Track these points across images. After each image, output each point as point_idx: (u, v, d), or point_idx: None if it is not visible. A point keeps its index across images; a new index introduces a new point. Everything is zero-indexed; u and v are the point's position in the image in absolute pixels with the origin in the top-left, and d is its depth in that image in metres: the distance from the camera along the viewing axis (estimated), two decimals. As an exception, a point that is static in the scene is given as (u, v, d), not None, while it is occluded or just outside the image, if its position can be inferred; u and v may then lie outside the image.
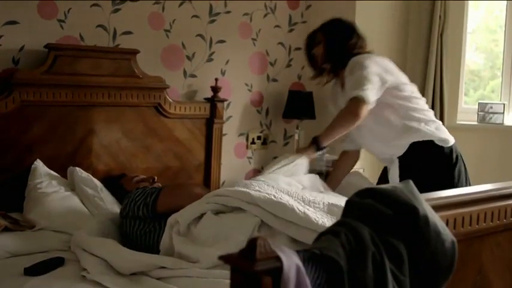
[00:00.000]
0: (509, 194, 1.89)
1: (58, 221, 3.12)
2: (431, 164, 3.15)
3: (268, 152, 4.70)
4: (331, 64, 3.36)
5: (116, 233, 2.96)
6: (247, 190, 2.56)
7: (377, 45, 4.69)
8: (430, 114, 3.29)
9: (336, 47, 3.33)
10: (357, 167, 3.92)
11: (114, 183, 3.53)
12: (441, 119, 4.60)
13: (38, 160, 3.44)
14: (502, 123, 4.50)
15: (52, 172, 3.43)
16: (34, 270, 2.59)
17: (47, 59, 3.50)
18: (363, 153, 3.79)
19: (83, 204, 3.32)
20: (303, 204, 2.48)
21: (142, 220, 2.86)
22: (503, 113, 4.50)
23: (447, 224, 1.59)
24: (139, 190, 3.02)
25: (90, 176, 3.46)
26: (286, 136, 4.79)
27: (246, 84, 4.54)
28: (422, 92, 4.65)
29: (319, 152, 3.24)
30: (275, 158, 4.67)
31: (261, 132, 4.65)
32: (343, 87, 3.30)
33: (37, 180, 3.33)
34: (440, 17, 4.57)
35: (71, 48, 3.62)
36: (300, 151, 3.32)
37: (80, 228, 3.13)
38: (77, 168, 3.47)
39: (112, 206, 3.35)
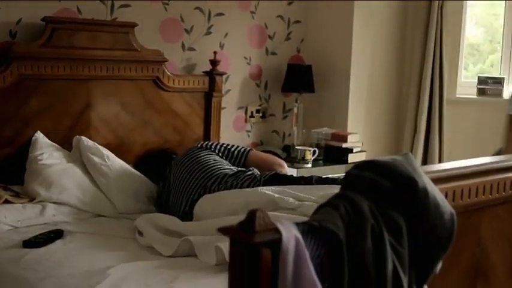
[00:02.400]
0: (507, 166, 1.89)
1: (58, 193, 3.12)
2: None
3: (267, 125, 4.69)
4: None
5: None
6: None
7: (377, 20, 4.68)
8: None
9: None
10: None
11: (162, 157, 3.53)
12: (440, 92, 4.60)
13: (39, 132, 3.43)
14: (501, 97, 4.49)
15: (53, 144, 3.42)
16: (33, 243, 2.60)
17: (44, 32, 3.47)
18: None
19: (86, 174, 3.31)
20: None
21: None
22: (503, 86, 4.49)
23: (446, 197, 1.59)
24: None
25: (97, 144, 3.44)
26: (285, 109, 4.78)
27: (245, 58, 4.52)
28: (422, 66, 4.64)
29: None
30: (274, 132, 4.69)
31: (260, 105, 4.64)
32: None
33: (38, 152, 3.31)
34: (440, -10, 4.55)
35: (69, 21, 3.59)
36: None
37: (81, 200, 3.15)
38: (83, 137, 3.45)
39: (119, 174, 3.33)
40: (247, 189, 2.87)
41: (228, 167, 3.18)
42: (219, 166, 3.14)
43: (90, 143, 3.43)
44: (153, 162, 3.50)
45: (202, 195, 2.99)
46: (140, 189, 3.32)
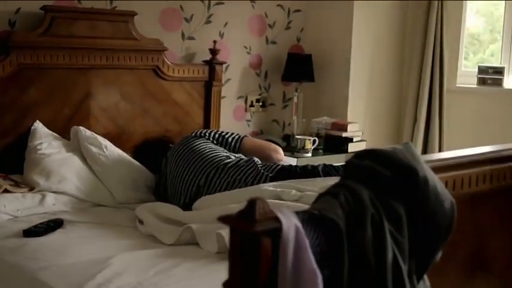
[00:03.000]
0: (508, 156, 1.89)
1: (58, 183, 3.12)
2: None
3: (267, 114, 4.69)
4: None
5: None
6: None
7: (378, 9, 4.67)
8: None
9: None
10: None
11: (158, 146, 3.51)
12: (441, 82, 4.59)
13: (38, 121, 3.42)
14: (502, 86, 4.48)
15: (52, 133, 3.41)
16: (33, 232, 2.60)
17: (43, 21, 3.46)
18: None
19: (85, 164, 3.31)
20: None
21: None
22: (503, 76, 4.48)
23: (446, 186, 1.59)
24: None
25: (95, 134, 3.43)
26: (285, 99, 4.77)
27: (245, 47, 4.51)
28: (422, 55, 4.64)
29: None
30: (273, 121, 4.69)
31: (259, 95, 4.63)
32: None
33: (37, 142, 3.31)
34: (440, -21, 4.53)
35: (68, 10, 3.58)
36: None
37: (81, 190, 3.15)
38: (81, 127, 3.44)
39: (117, 164, 3.33)
40: (250, 187, 2.85)
41: (226, 154, 3.16)
42: (216, 154, 3.13)
43: (88, 133, 3.42)
44: (150, 152, 3.47)
45: (202, 185, 2.98)
46: (139, 178, 3.31)
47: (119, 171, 3.28)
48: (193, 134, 3.31)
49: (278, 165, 3.08)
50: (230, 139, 3.36)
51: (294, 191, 2.60)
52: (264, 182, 2.89)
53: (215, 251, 2.35)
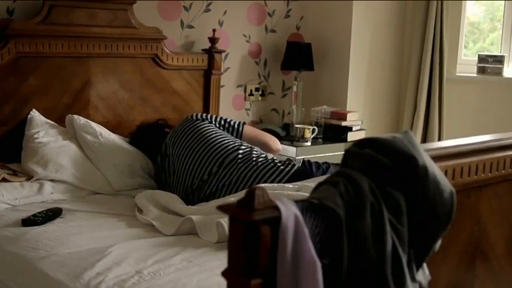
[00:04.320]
0: (507, 144, 1.89)
1: (55, 171, 3.12)
2: None
3: (266, 103, 4.68)
4: None
5: None
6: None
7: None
8: None
9: None
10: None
11: (154, 131, 3.47)
12: (440, 71, 4.58)
13: (34, 110, 3.41)
14: (502, 75, 4.48)
15: (49, 121, 3.40)
16: (32, 221, 2.60)
17: (42, 9, 3.45)
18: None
19: (82, 152, 3.30)
20: None
21: None
22: (503, 65, 4.48)
23: (446, 175, 1.58)
24: None
25: (89, 122, 3.42)
26: (284, 88, 4.77)
27: (244, 35, 4.50)
28: (422, 44, 4.62)
29: None
30: (273, 110, 4.68)
31: (259, 83, 4.63)
32: None
33: (34, 130, 3.30)
34: (441, -33, 4.52)
35: (66, -2, 3.57)
36: None
37: (78, 178, 3.15)
38: (75, 115, 3.43)
39: (113, 151, 3.32)
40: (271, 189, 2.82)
41: (238, 142, 3.13)
42: (228, 140, 3.11)
43: (83, 120, 3.41)
44: (146, 137, 3.43)
45: (214, 173, 2.97)
46: (135, 164, 3.29)
47: (115, 158, 3.27)
48: (195, 117, 3.27)
49: (294, 165, 3.01)
50: (234, 124, 3.34)
51: (290, 185, 2.61)
52: (285, 181, 2.87)
53: (215, 241, 2.35)
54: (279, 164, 2.96)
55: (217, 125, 3.26)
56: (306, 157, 3.47)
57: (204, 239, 2.41)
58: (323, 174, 2.95)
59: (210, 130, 3.16)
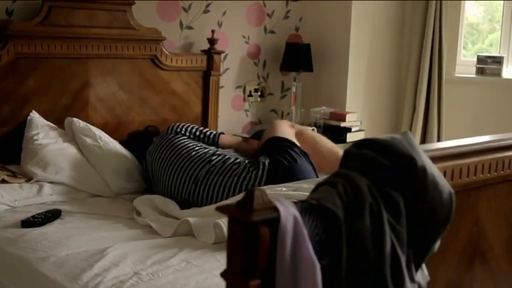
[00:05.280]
0: (506, 145, 1.89)
1: (55, 173, 3.12)
2: None
3: (265, 104, 4.68)
4: None
5: None
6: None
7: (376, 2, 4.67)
8: None
9: None
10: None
11: (143, 138, 3.48)
12: (439, 71, 4.59)
13: (34, 111, 3.41)
14: (500, 76, 4.48)
15: (49, 123, 3.40)
16: (31, 223, 2.60)
17: (41, 10, 3.45)
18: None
19: (82, 154, 3.30)
20: None
21: None
22: (502, 66, 4.48)
23: (445, 175, 1.58)
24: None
25: (89, 125, 3.43)
26: (283, 89, 4.77)
27: (243, 36, 4.50)
28: (421, 45, 4.63)
29: None
30: (272, 111, 4.68)
31: (258, 84, 4.63)
32: None
33: (33, 132, 3.30)
34: (440, -32, 4.52)
35: (66, -1, 3.57)
36: None
37: (77, 180, 3.15)
38: (74, 118, 3.44)
39: (112, 155, 3.32)
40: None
41: (204, 151, 3.12)
42: (198, 153, 3.10)
43: (82, 124, 3.41)
44: (135, 146, 3.45)
45: (194, 190, 2.98)
46: (133, 169, 3.31)
47: (113, 162, 3.28)
48: (170, 131, 3.28)
49: (263, 163, 3.01)
50: (210, 134, 3.36)
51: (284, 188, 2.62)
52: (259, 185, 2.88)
53: (212, 242, 2.35)
54: (251, 169, 2.97)
55: (192, 137, 3.28)
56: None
57: (201, 241, 2.41)
58: (300, 160, 2.99)
59: (183, 144, 3.16)
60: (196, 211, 2.73)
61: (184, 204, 2.94)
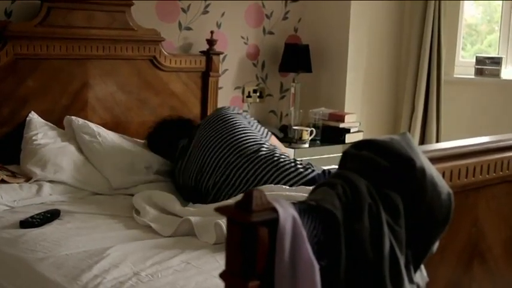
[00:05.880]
0: (505, 146, 1.89)
1: (54, 172, 3.12)
2: None
3: (264, 105, 4.68)
4: None
5: None
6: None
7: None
8: None
9: None
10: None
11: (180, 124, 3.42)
12: (438, 72, 4.59)
13: (33, 112, 3.42)
14: (499, 77, 4.48)
15: (48, 123, 3.41)
16: (30, 223, 2.59)
17: (40, 11, 3.45)
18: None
19: (81, 153, 3.30)
20: None
21: None
22: (501, 66, 4.48)
23: (444, 176, 1.59)
24: None
25: (87, 122, 3.43)
26: (282, 89, 4.77)
27: (242, 37, 4.50)
28: (420, 46, 4.63)
29: None
30: (271, 112, 4.68)
31: (257, 85, 4.63)
32: None
33: (32, 132, 3.31)
34: (438, -31, 4.52)
35: (65, 0, 3.56)
36: None
37: (77, 178, 3.15)
38: (73, 117, 3.44)
39: (112, 149, 3.31)
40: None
41: (259, 136, 3.07)
42: (252, 134, 3.05)
43: (81, 121, 3.41)
44: (169, 131, 3.38)
45: (234, 163, 2.92)
46: (135, 161, 3.28)
47: (113, 156, 3.26)
48: (228, 107, 3.26)
49: (313, 170, 2.89)
50: (262, 128, 3.28)
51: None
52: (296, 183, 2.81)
53: (212, 242, 2.35)
54: (299, 167, 2.91)
55: (248, 123, 3.21)
56: (328, 168, 3.31)
57: (202, 241, 2.41)
58: None
59: (240, 121, 3.12)
60: (198, 209, 2.72)
61: (213, 190, 2.91)
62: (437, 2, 4.54)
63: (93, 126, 3.39)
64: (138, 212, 2.75)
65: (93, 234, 2.51)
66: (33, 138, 3.27)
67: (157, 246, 2.36)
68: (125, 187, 3.18)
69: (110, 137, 3.39)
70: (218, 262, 2.17)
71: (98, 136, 3.32)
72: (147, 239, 2.46)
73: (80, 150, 3.31)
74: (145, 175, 3.25)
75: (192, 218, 2.49)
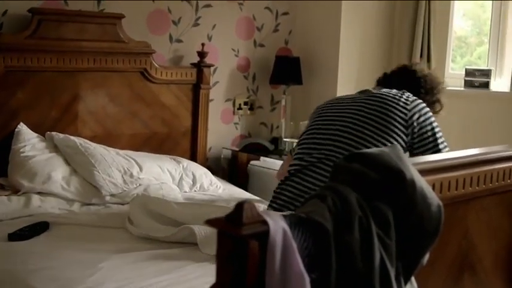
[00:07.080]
0: (494, 158, 1.89)
1: (42, 183, 3.11)
2: None
3: (255, 117, 4.69)
4: None
5: None
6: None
7: (366, 12, 4.68)
8: None
9: None
10: None
11: None
12: (428, 84, 4.60)
13: (22, 124, 3.42)
14: (489, 89, 4.50)
15: (36, 135, 3.41)
16: (18, 236, 2.58)
17: (30, 23, 3.45)
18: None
19: (68, 164, 3.31)
20: None
21: None
22: (490, 78, 4.51)
23: (433, 188, 1.59)
24: None
25: (68, 136, 3.46)
26: (273, 101, 4.78)
27: (233, 50, 4.51)
28: (410, 58, 4.65)
29: None
30: (261, 124, 4.69)
31: (247, 97, 4.63)
32: None
33: (21, 144, 3.31)
34: (428, -18, 4.55)
35: (55, 12, 3.57)
36: None
37: (66, 189, 3.15)
38: (54, 132, 3.48)
39: (95, 157, 3.33)
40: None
41: None
42: None
43: (62, 135, 3.45)
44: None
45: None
46: (116, 163, 3.34)
47: (97, 163, 3.30)
48: None
49: None
50: None
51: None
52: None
53: (213, 254, 2.34)
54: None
55: None
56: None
57: (204, 252, 2.40)
58: None
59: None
60: (193, 213, 2.68)
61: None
62: (427, 13, 4.56)
63: (74, 138, 3.43)
64: (131, 222, 2.74)
65: (84, 246, 2.51)
66: (21, 150, 3.27)
67: (151, 258, 2.36)
68: (117, 192, 3.19)
69: (91, 145, 3.42)
70: (212, 276, 2.16)
71: (80, 147, 3.34)
72: (141, 250, 2.46)
73: (67, 161, 3.32)
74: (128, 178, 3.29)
75: (195, 228, 2.48)
